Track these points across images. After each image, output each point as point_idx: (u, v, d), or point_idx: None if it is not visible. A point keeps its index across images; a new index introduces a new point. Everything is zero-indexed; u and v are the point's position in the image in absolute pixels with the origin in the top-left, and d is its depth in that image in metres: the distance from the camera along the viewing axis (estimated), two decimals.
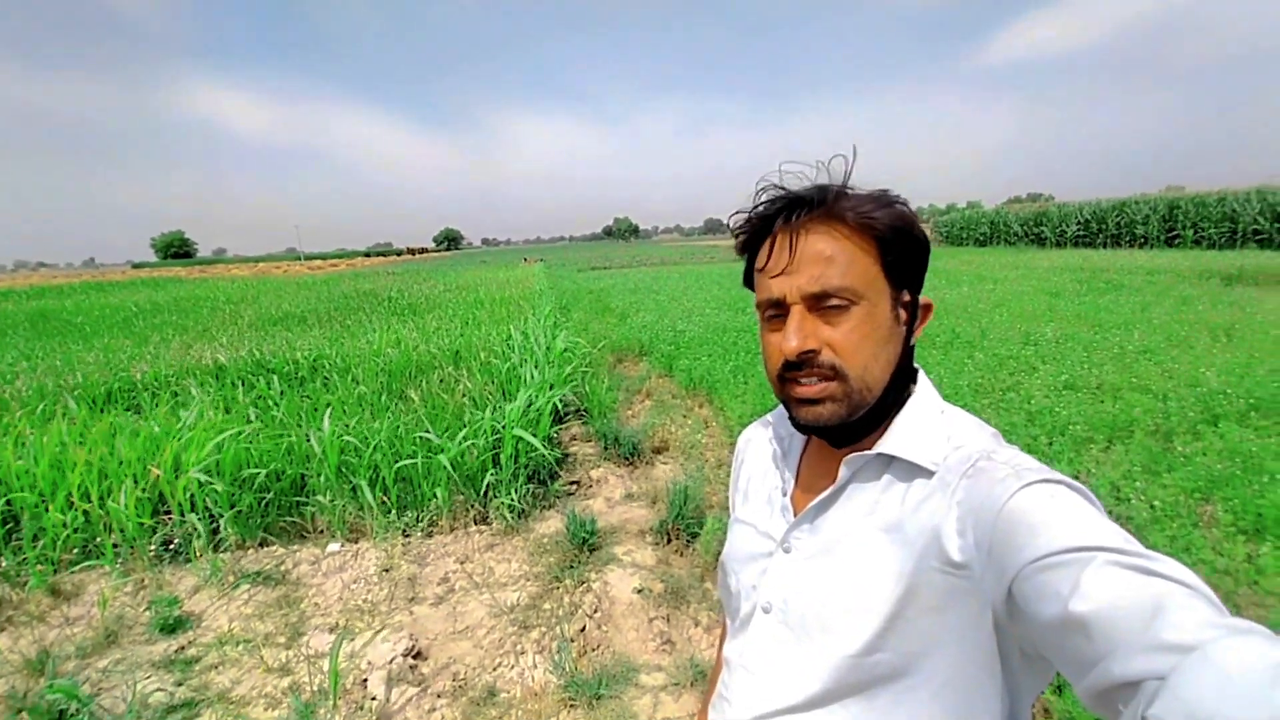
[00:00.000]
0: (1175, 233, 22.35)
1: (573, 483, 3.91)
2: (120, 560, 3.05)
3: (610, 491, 3.75)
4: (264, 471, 3.38)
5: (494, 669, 2.29)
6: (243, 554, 3.17)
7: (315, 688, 2.19)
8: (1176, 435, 3.59)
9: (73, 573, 3.01)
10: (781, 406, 0.70)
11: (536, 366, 5.17)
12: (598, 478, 3.95)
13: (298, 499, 3.45)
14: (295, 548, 3.22)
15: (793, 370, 0.60)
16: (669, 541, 3.06)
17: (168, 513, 3.28)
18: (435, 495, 3.38)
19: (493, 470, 3.54)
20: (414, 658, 2.35)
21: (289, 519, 3.39)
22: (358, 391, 4.86)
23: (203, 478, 3.17)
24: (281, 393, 4.97)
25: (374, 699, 2.14)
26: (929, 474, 0.58)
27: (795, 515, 0.67)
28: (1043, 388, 4.50)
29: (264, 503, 3.39)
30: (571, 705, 2.08)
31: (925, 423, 0.61)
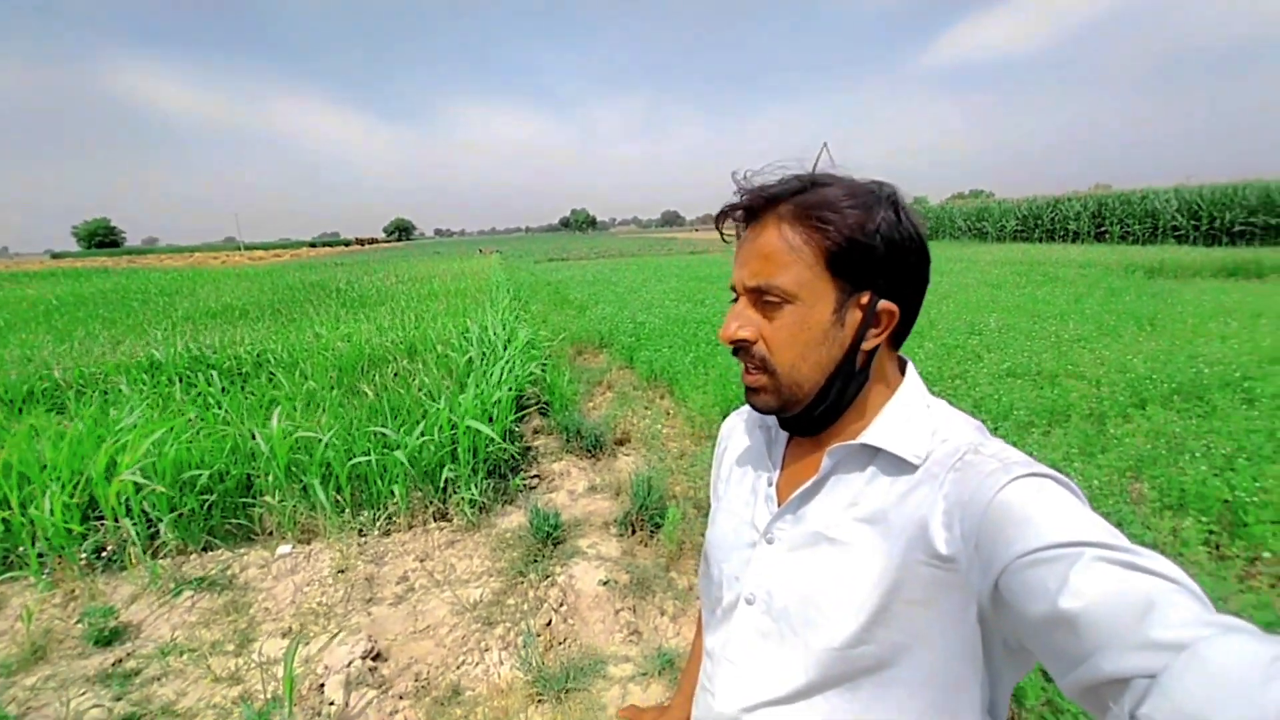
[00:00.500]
0: (1104, 228, 23.72)
1: (534, 476, 3.87)
2: (47, 570, 2.85)
3: (573, 484, 3.73)
4: (207, 472, 3.21)
5: (458, 667, 2.25)
6: (185, 559, 3.01)
7: (268, 695, 2.10)
8: (1109, 419, 3.81)
9: None
10: None
11: (494, 359, 5.08)
12: (560, 471, 3.92)
13: (244, 500, 3.29)
14: (243, 551, 3.07)
15: (738, 354, 0.64)
16: (633, 532, 3.06)
17: (100, 518, 3.07)
18: (392, 492, 3.28)
19: (451, 465, 3.46)
20: (373, 659, 2.28)
21: (235, 521, 3.23)
22: (306, 387, 4.66)
23: (139, 480, 2.98)
24: (224, 389, 4.73)
25: (332, 704, 2.07)
26: (913, 467, 0.58)
27: (779, 505, 0.66)
28: (987, 375, 4.70)
29: (207, 505, 3.22)
30: (539, 700, 2.06)
31: (911, 416, 0.61)
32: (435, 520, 3.32)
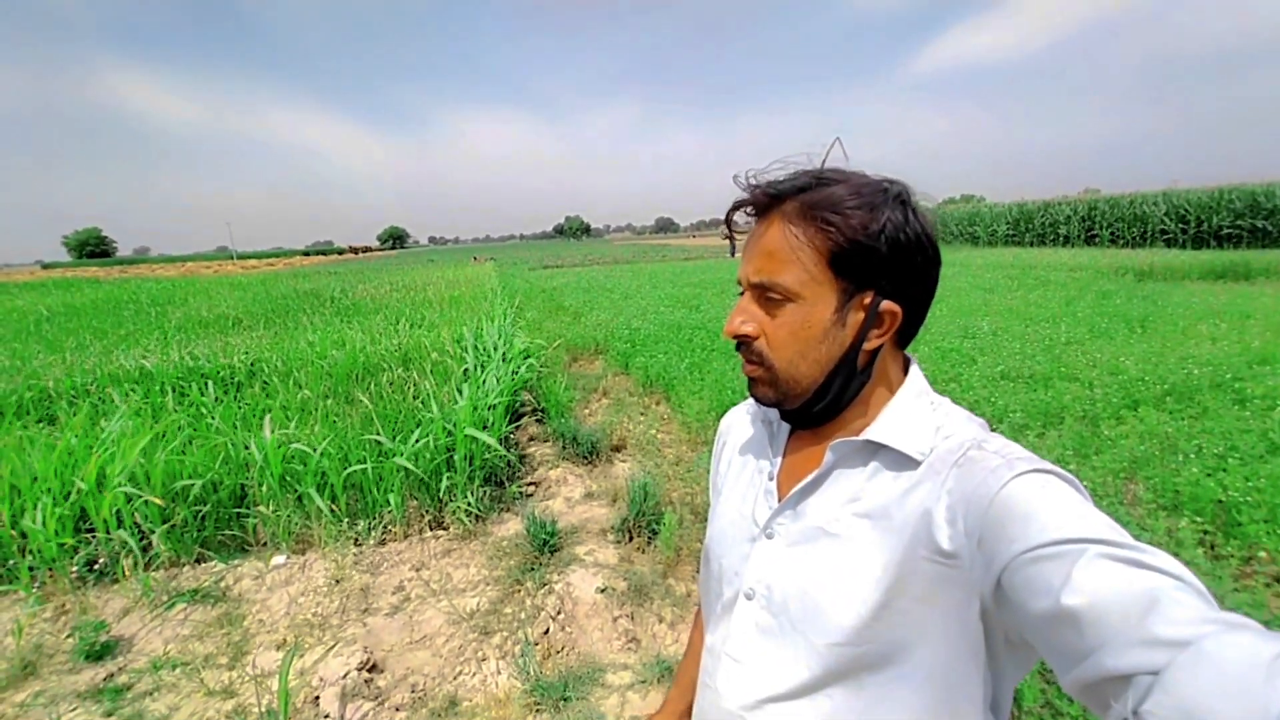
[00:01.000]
0: (1094, 232, 23.92)
1: (531, 484, 3.86)
2: (37, 584, 2.81)
3: (570, 491, 3.71)
4: (200, 483, 3.18)
5: (455, 678, 2.23)
6: (177, 571, 2.98)
7: (263, 709, 2.07)
8: (1102, 420, 3.83)
9: None
10: None
11: (490, 366, 5.06)
12: (557, 478, 3.90)
13: (238, 510, 3.26)
14: (236, 562, 3.04)
15: (740, 348, 0.65)
16: (630, 539, 3.05)
17: (90, 530, 3.04)
18: (388, 501, 3.26)
19: (448, 473, 3.44)
20: (369, 671, 2.26)
21: (228, 532, 3.20)
22: (300, 396, 4.64)
23: (131, 490, 2.95)
24: (217, 399, 4.69)
25: (327, 717, 2.04)
26: (916, 463, 0.57)
27: (780, 500, 0.66)
28: (981, 378, 4.72)
29: (200, 516, 3.19)
30: (538, 709, 2.05)
31: (915, 412, 0.61)
32: (431, 529, 3.30)
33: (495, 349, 5.80)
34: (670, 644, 2.35)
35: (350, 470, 3.31)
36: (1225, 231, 19.31)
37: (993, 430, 0.60)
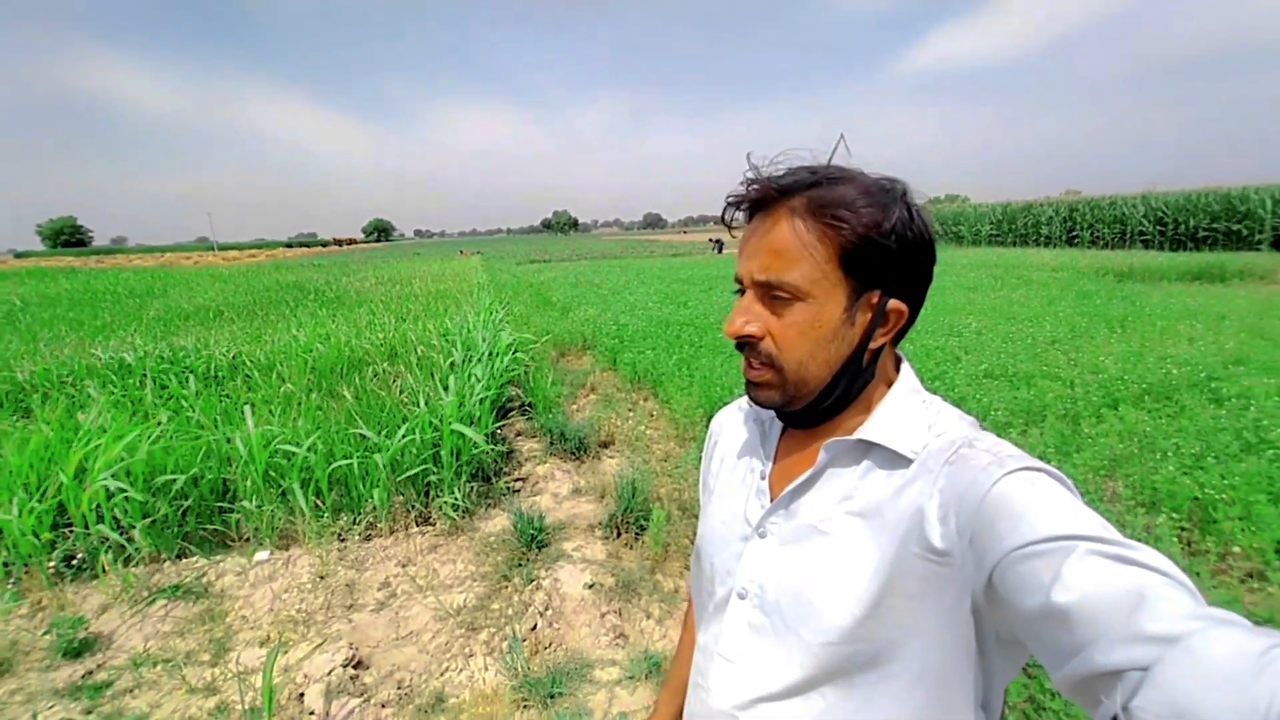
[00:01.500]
0: (1075, 233, 24.32)
1: (518, 479, 3.84)
2: (13, 580, 2.75)
3: (557, 487, 3.70)
4: (182, 477, 3.12)
5: (441, 674, 2.22)
6: (158, 567, 2.93)
7: (246, 706, 2.05)
8: (1083, 418, 3.90)
9: None
10: None
11: (477, 361, 5.03)
12: (544, 473, 3.89)
13: (220, 505, 3.21)
14: (218, 558, 3.00)
15: (743, 349, 0.62)
16: (618, 535, 3.05)
17: (69, 525, 2.98)
18: (372, 496, 3.23)
19: (434, 468, 3.42)
20: (354, 668, 2.24)
21: (210, 527, 3.15)
22: (284, 389, 4.57)
23: (113, 485, 2.90)
24: (198, 392, 4.61)
25: (312, 714, 2.02)
26: (908, 461, 0.57)
27: (772, 499, 0.66)
28: (965, 377, 4.78)
29: (182, 511, 3.13)
30: (525, 706, 2.04)
31: (907, 411, 0.61)
32: (417, 524, 3.28)
33: (482, 343, 5.76)
34: (658, 640, 2.36)
35: (336, 465, 3.27)
36: (1201, 234, 19.74)
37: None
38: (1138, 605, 0.39)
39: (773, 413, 0.72)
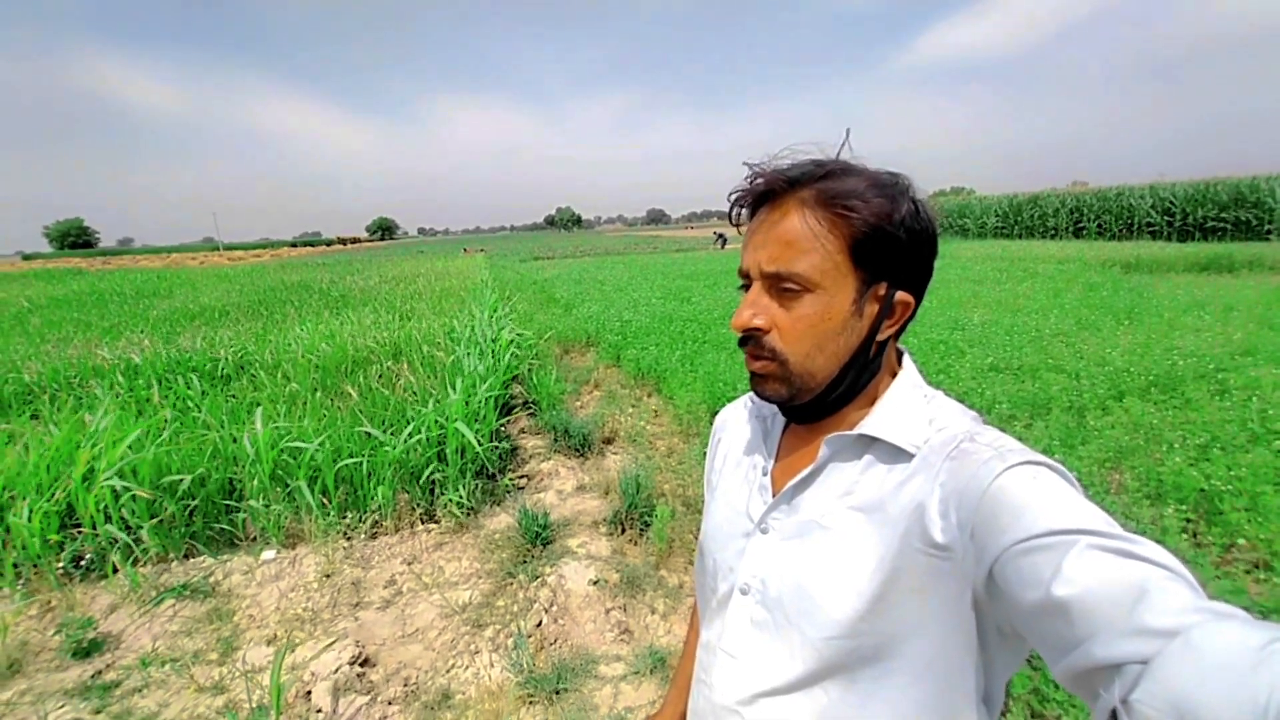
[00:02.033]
0: (1081, 225, 24.12)
1: (523, 476, 3.85)
2: (22, 581, 2.78)
3: (562, 484, 3.71)
4: (189, 477, 3.14)
5: (448, 671, 2.23)
6: (165, 567, 2.95)
7: (254, 704, 2.07)
8: (1089, 411, 3.87)
9: None
10: None
11: (481, 359, 5.04)
12: (548, 470, 3.90)
13: (227, 504, 3.24)
14: (225, 557, 3.02)
15: (746, 343, 0.62)
16: (623, 531, 3.06)
17: (77, 526, 3.00)
18: (377, 495, 3.25)
19: (439, 466, 3.43)
20: (361, 665, 2.25)
21: (218, 526, 3.17)
22: (289, 389, 4.60)
23: (119, 485, 2.92)
24: (204, 392, 4.64)
25: (320, 712, 2.04)
26: (910, 456, 0.57)
27: (774, 495, 0.66)
28: (971, 370, 4.76)
29: (189, 510, 3.16)
30: (531, 702, 2.05)
31: (909, 406, 0.61)
32: (423, 522, 3.29)
33: (486, 341, 5.77)
34: (663, 635, 2.36)
35: (343, 464, 3.29)
36: (1210, 224, 19.54)
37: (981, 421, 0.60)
38: (1138, 599, 0.39)
39: (775, 409, 0.72)
